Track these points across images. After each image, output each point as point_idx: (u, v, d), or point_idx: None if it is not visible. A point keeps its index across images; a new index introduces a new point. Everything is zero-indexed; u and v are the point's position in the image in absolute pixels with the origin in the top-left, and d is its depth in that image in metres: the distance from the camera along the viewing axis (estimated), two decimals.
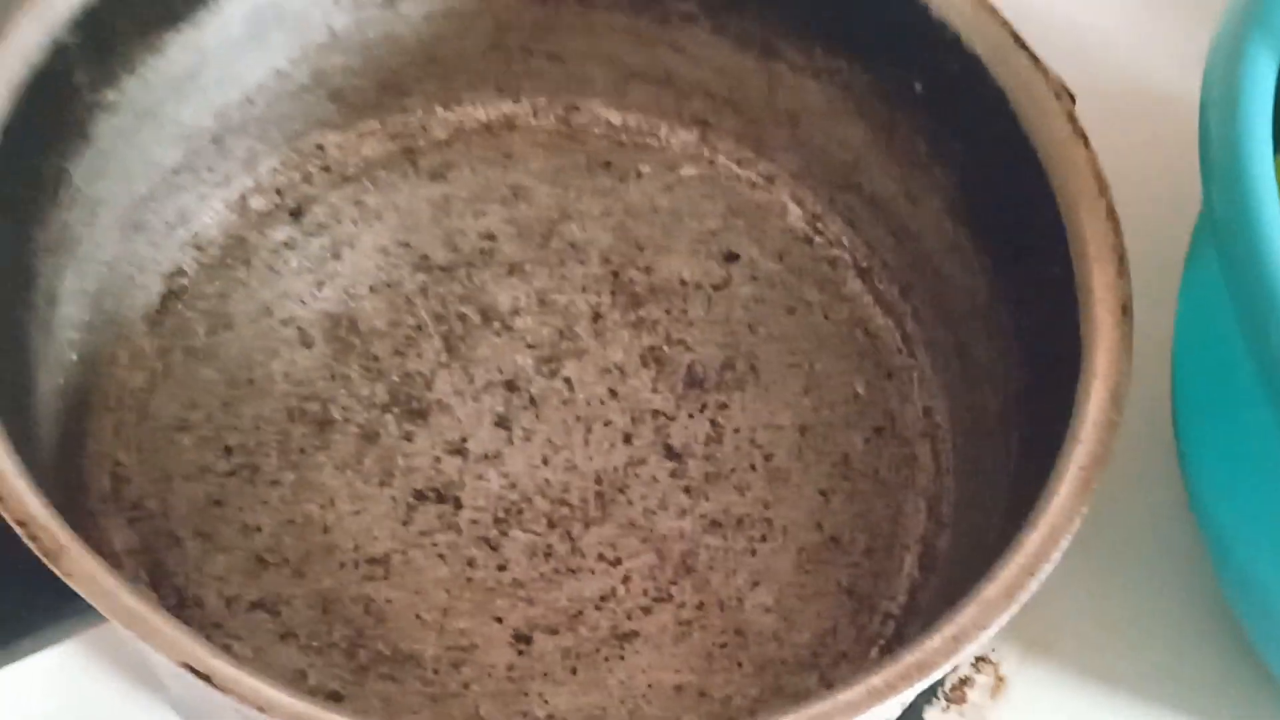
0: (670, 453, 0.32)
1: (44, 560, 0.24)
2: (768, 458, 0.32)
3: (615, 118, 0.36)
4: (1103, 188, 0.29)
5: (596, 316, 0.34)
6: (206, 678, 0.23)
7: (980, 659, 0.33)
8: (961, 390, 0.33)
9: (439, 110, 0.36)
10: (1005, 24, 0.30)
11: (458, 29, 0.34)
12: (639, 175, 0.36)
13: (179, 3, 0.31)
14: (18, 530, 0.24)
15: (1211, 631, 0.33)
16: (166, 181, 0.33)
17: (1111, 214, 0.29)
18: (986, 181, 0.32)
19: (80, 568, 0.24)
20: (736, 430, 0.33)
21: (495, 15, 0.34)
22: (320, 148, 0.35)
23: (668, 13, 0.34)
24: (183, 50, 0.31)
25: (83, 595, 0.24)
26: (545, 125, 0.36)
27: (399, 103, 0.35)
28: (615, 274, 0.34)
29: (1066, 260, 0.29)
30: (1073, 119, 0.30)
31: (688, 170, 0.36)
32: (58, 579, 0.24)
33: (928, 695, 0.32)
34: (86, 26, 0.29)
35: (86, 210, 0.30)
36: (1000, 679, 0.33)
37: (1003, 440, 0.31)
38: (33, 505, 0.24)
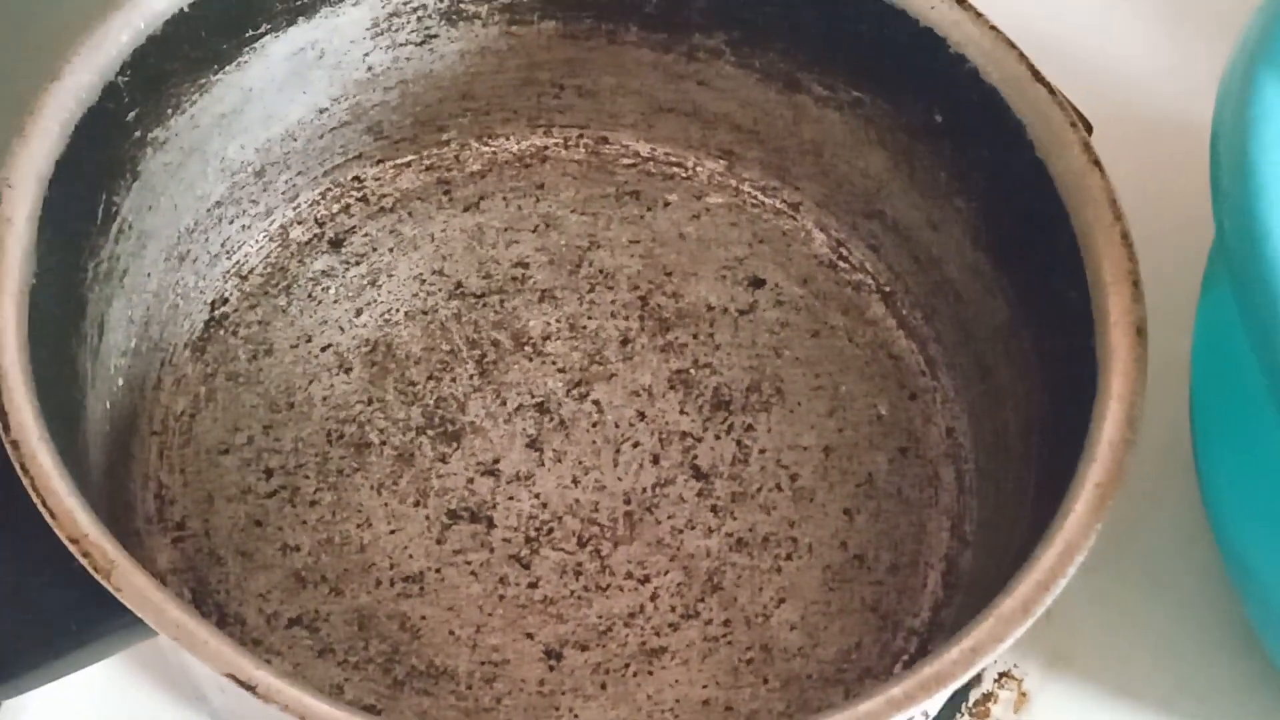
0: (698, 473, 0.33)
1: (95, 576, 0.25)
2: (793, 478, 0.33)
3: (644, 149, 0.37)
4: (1118, 214, 0.30)
5: (625, 341, 0.35)
6: (251, 688, 0.24)
7: (1003, 674, 0.33)
8: (984, 411, 0.34)
9: (473, 143, 0.37)
10: (1023, 57, 0.31)
11: (492, 66, 0.36)
12: (666, 204, 0.36)
13: (225, 45, 0.32)
14: (70, 547, 0.25)
15: (1232, 647, 0.33)
16: (211, 214, 0.34)
17: (1126, 239, 0.29)
18: (1006, 209, 0.32)
19: (130, 583, 0.25)
20: (763, 451, 0.33)
21: (528, 53, 0.35)
22: (359, 180, 0.36)
23: (694, 49, 0.35)
24: (228, 90, 0.32)
25: (133, 609, 0.25)
26: (576, 157, 0.37)
27: (435, 136, 0.36)
28: (644, 300, 0.35)
29: (1083, 284, 0.29)
30: (1088, 148, 0.30)
31: (714, 199, 0.37)
32: (106, 594, 0.25)
33: (951, 711, 0.33)
34: (137, 68, 0.30)
35: (135, 242, 0.31)
36: (1023, 694, 0.33)
37: (1024, 460, 0.31)
38: (84, 523, 0.25)
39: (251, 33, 0.32)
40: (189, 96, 0.32)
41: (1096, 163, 0.30)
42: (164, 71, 0.31)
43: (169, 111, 0.31)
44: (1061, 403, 0.30)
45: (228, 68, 0.32)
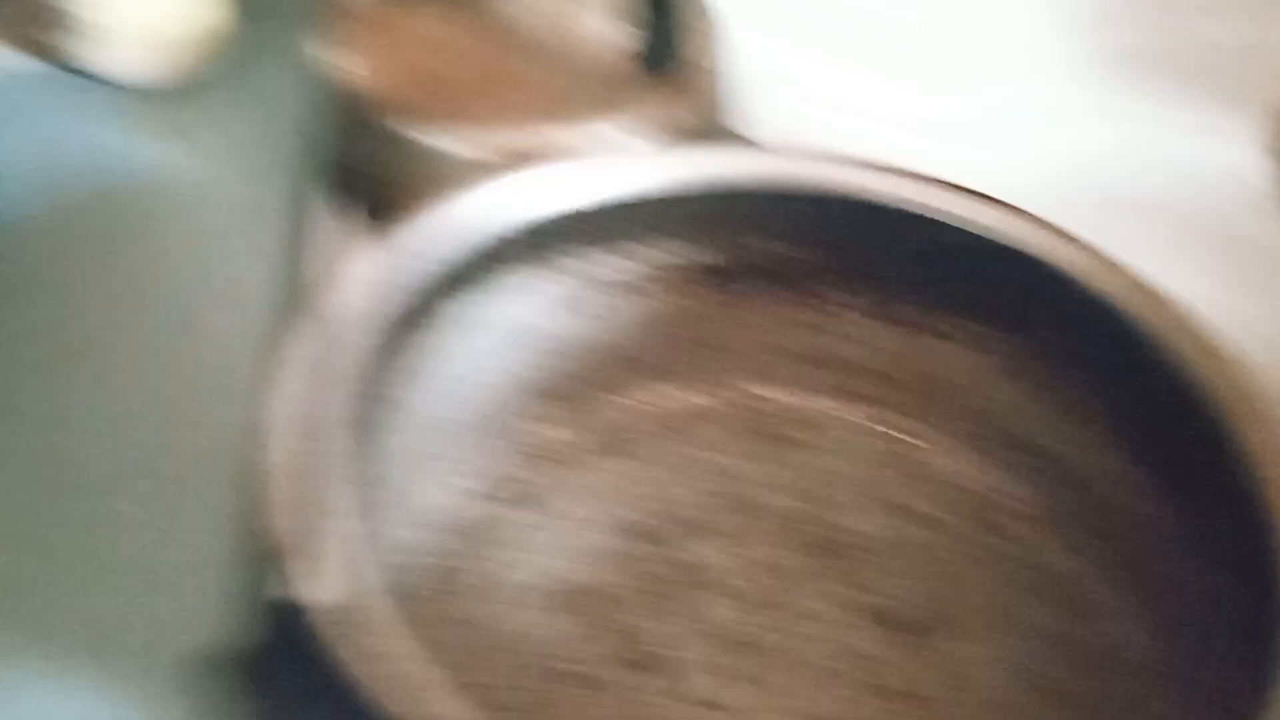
0: (881, 694, 0.33)
1: None
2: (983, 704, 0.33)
3: (786, 397, 0.39)
4: (1258, 393, 0.31)
5: (790, 573, 0.35)
6: None
7: None
8: (1166, 621, 0.33)
9: (628, 398, 0.38)
10: (1131, 272, 0.34)
11: (641, 327, 0.38)
12: (815, 446, 0.38)
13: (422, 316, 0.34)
14: None
15: None
16: (395, 467, 0.35)
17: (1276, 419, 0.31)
18: (1147, 415, 0.34)
19: None
20: (944, 671, 0.33)
21: (680, 315, 0.38)
22: (528, 434, 0.37)
23: (825, 302, 0.38)
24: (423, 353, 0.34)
25: None
26: (722, 409, 0.39)
27: (596, 393, 0.38)
28: (803, 534, 0.36)
29: (1248, 474, 0.31)
30: (1212, 339, 0.32)
31: (859, 439, 0.38)
32: None
33: None
34: None
35: None
36: None
37: (1220, 665, 0.31)
38: None
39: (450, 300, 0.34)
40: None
41: (1229, 352, 0.32)
42: None
43: None
44: (1255, 603, 0.30)
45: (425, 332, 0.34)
